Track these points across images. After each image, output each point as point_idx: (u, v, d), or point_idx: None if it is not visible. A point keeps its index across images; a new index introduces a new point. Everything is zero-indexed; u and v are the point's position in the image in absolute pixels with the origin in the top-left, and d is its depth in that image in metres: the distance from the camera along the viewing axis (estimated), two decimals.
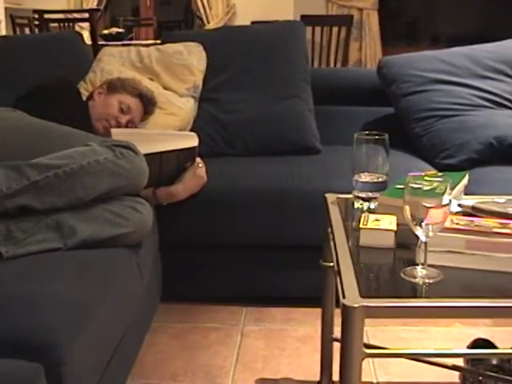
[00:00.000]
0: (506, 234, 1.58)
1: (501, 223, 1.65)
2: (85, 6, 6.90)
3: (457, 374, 2.21)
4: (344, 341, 1.37)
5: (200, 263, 2.86)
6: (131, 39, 7.32)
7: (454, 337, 2.62)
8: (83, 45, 3.62)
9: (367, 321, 1.38)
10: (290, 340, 2.63)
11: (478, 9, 7.38)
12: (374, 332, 2.64)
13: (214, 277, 2.89)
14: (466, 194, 2.12)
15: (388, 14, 6.45)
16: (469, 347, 2.25)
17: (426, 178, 1.57)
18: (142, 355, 2.45)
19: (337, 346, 1.39)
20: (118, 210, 2.07)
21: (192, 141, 2.57)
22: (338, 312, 1.39)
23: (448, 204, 1.49)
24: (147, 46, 3.61)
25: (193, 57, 3.31)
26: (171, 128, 3.04)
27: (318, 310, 2.16)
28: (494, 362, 2.19)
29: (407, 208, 1.47)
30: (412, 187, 1.48)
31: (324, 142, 3.25)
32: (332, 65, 5.83)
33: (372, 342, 2.53)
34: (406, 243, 1.62)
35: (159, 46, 3.44)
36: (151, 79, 3.25)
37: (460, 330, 2.66)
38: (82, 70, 3.29)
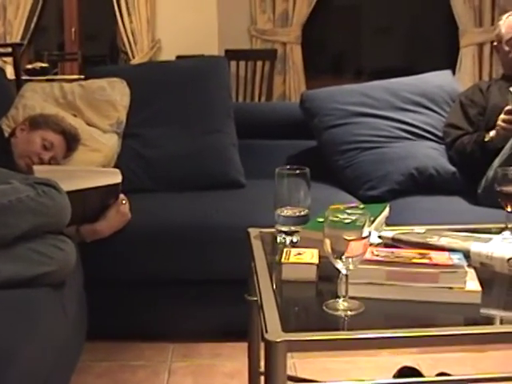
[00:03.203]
0: (425, 264, 1.61)
1: (420, 253, 1.68)
2: (8, 40, 6.80)
3: None
4: (268, 375, 1.37)
5: (126, 300, 2.84)
6: (56, 74, 7.25)
7: (381, 366, 2.64)
8: (6, 80, 3.58)
9: (295, 352, 1.39)
10: (218, 375, 2.62)
11: (401, 43, 7.55)
12: (302, 364, 2.65)
13: (140, 313, 2.86)
14: (388, 225, 2.15)
15: (312, 48, 6.54)
16: (395, 376, 2.28)
17: (347, 210, 1.59)
18: None
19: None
20: (41, 248, 2.04)
21: (115, 177, 2.56)
22: None
23: (368, 236, 1.51)
24: (71, 80, 3.59)
25: (116, 93, 3.30)
26: (95, 164, 3.02)
27: (246, 345, 2.16)
28: None
29: (327, 241, 1.49)
30: (332, 220, 1.50)
31: (248, 176, 3.27)
32: (257, 99, 5.88)
33: (300, 374, 2.54)
34: (328, 275, 1.62)
35: (82, 82, 3.42)
36: (74, 115, 3.23)
37: (387, 359, 2.67)
38: (3, 106, 3.24)
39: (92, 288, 2.65)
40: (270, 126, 3.63)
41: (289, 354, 1.37)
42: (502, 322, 1.63)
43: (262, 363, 2.10)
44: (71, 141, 2.97)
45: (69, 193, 2.18)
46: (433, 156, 3.21)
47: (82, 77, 3.94)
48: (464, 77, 5.89)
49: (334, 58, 7.71)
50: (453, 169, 3.17)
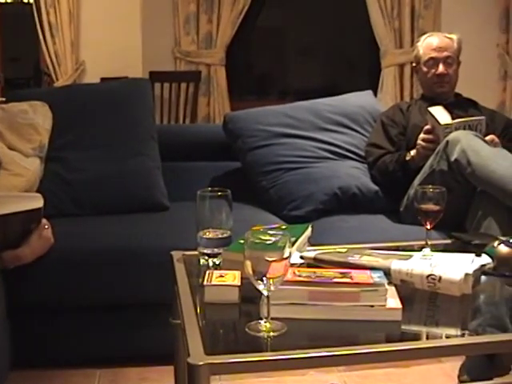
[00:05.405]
0: (346, 284, 1.63)
1: (341, 273, 1.70)
2: None
3: None
4: None
5: (51, 327, 2.79)
6: None
7: None
8: None
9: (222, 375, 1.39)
10: None
11: (324, 63, 7.64)
12: None
13: (66, 340, 2.81)
14: (312, 245, 2.17)
15: (236, 70, 6.57)
16: None
17: (269, 231, 1.60)
18: None
19: None
20: None
21: (37, 202, 2.52)
22: None
23: (289, 257, 1.52)
24: None
25: (38, 116, 3.26)
26: (17, 189, 2.97)
27: (173, 368, 2.14)
28: None
29: (248, 263, 1.49)
30: (252, 242, 1.51)
31: (173, 199, 3.26)
32: (181, 121, 5.88)
33: None
34: (251, 297, 1.63)
35: (3, 105, 3.37)
36: None
37: (314, 378, 2.69)
38: None
39: (15, 315, 2.61)
40: (193, 148, 3.63)
41: (216, 377, 1.38)
42: (422, 338, 1.66)
43: None
44: None
45: None
46: (356, 175, 3.26)
47: (4, 99, 3.87)
48: (386, 97, 5.99)
49: (259, 80, 7.75)
50: (375, 188, 3.22)
